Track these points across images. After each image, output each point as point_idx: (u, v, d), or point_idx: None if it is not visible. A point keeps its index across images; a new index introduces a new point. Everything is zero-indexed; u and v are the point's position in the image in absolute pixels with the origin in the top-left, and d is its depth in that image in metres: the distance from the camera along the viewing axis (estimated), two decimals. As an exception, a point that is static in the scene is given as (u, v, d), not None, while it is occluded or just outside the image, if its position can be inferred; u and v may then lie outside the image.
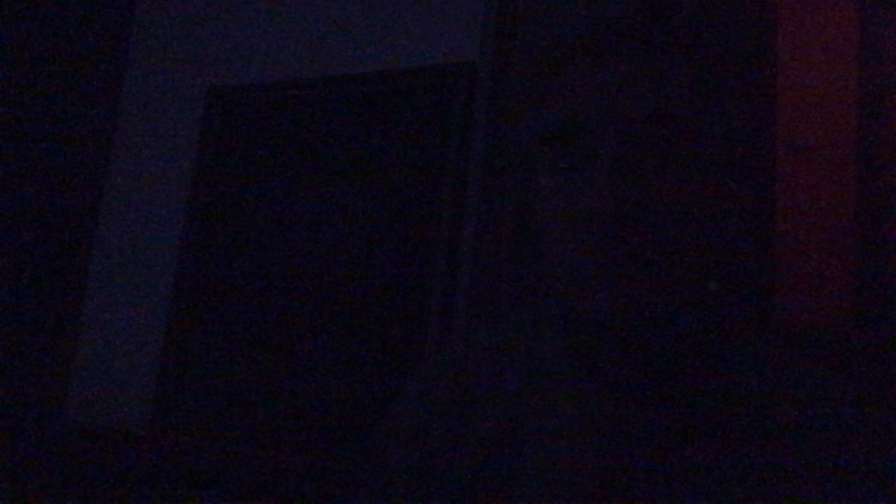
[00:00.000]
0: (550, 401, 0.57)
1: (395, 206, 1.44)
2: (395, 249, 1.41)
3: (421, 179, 1.41)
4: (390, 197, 1.45)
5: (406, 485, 0.60)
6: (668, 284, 0.51)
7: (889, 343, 0.95)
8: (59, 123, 1.81)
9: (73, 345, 1.77)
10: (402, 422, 0.63)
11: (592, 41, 0.51)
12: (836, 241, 0.99)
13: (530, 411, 0.57)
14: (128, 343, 1.71)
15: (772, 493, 0.49)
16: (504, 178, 1.29)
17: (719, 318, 0.58)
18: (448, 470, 0.58)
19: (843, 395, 0.54)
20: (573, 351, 0.58)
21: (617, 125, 0.50)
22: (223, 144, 1.68)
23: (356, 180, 1.49)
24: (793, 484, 0.49)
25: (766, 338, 0.58)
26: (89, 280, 1.81)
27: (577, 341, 0.58)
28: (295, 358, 1.47)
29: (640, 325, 0.52)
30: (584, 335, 0.58)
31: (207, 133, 1.70)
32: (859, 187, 0.99)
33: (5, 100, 1.71)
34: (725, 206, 0.54)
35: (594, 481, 0.52)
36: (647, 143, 0.51)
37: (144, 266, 1.74)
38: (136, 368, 1.67)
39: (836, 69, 1.03)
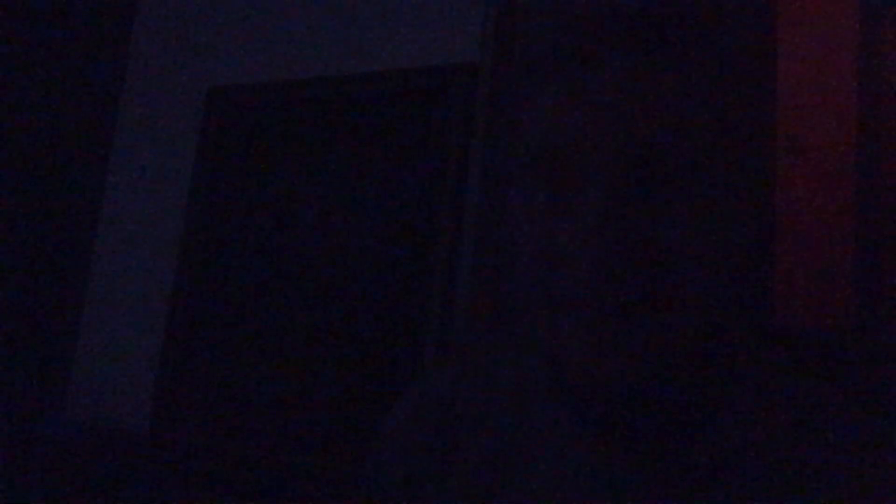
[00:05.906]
0: (537, 436, 0.54)
1: (394, 206, 1.43)
2: (395, 250, 1.41)
3: (420, 180, 1.41)
4: (390, 197, 1.44)
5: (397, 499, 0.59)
6: (662, 343, 0.42)
7: (890, 344, 0.95)
8: (59, 123, 1.81)
9: (73, 345, 1.77)
10: (393, 441, 0.62)
11: (587, 42, 0.41)
12: (836, 242, 0.99)
13: (517, 444, 0.55)
14: (128, 343, 1.71)
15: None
16: (504, 178, 1.29)
17: (720, 363, 0.51)
18: (438, 493, 0.56)
19: (842, 408, 0.50)
20: (558, 390, 0.54)
21: (610, 150, 0.40)
22: (223, 144, 1.68)
23: (355, 181, 1.49)
24: (791, 497, 0.46)
25: (766, 354, 0.54)
26: (89, 280, 1.81)
27: (561, 383, 0.54)
28: (294, 358, 1.47)
29: (627, 386, 0.44)
30: (568, 381, 0.51)
31: (207, 133, 1.70)
32: (859, 187, 0.99)
33: (5, 100, 1.71)
34: (733, 244, 0.45)
35: None
36: (648, 173, 0.41)
37: (144, 266, 1.74)
38: (136, 368, 1.67)
39: (836, 69, 1.02)
